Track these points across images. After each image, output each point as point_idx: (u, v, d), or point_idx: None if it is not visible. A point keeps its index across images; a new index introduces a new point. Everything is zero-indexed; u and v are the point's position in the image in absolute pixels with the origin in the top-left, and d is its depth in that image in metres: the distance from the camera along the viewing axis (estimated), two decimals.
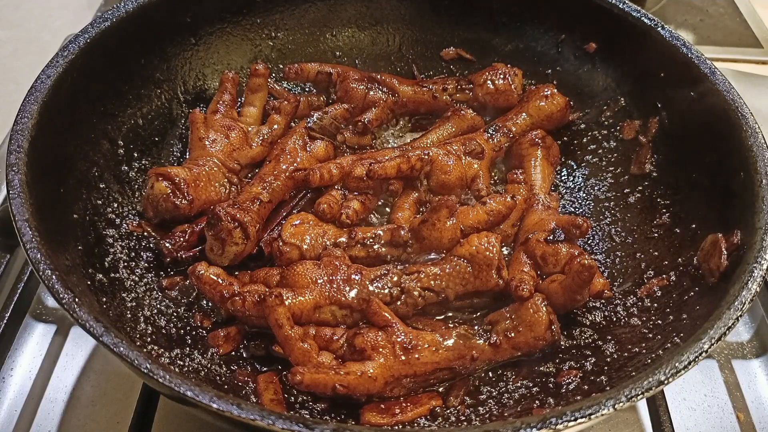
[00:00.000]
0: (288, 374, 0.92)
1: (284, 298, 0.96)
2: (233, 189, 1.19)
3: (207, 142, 1.20)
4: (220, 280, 1.03)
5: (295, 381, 0.90)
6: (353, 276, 1.02)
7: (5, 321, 1.15)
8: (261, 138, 1.25)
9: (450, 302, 1.05)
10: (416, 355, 0.95)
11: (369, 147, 1.33)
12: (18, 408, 1.10)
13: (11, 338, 1.17)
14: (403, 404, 0.96)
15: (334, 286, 1.01)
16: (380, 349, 0.94)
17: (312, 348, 0.94)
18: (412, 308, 1.04)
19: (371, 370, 0.93)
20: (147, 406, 1.05)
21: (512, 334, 1.00)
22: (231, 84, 1.30)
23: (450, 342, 0.98)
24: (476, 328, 1.01)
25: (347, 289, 1.01)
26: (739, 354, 1.22)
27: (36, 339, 1.19)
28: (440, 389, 1.00)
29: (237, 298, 1.00)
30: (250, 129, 1.26)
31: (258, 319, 1.00)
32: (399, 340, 0.96)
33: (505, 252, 1.16)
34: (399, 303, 1.02)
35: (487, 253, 1.04)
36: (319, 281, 1.01)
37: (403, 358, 0.95)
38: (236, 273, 1.10)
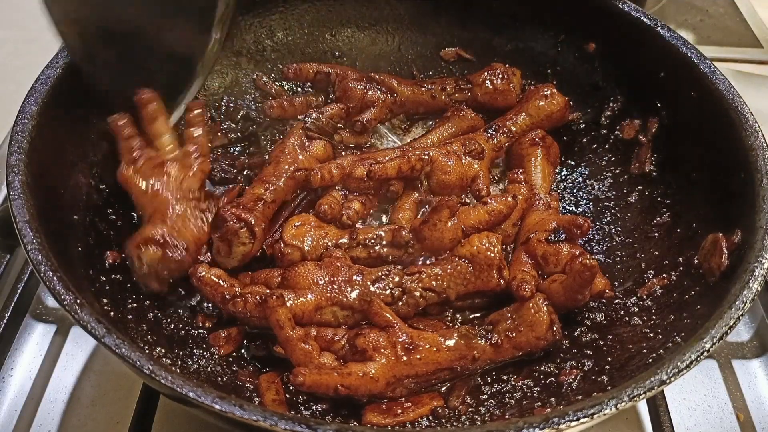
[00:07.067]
0: (290, 375, 0.92)
1: (286, 299, 0.96)
2: (207, 217, 1.10)
3: (154, 190, 1.08)
4: (221, 281, 1.02)
5: (296, 382, 0.90)
6: (355, 277, 1.02)
7: (5, 321, 1.15)
8: (196, 156, 1.12)
9: (451, 302, 1.05)
10: (417, 356, 0.95)
11: (366, 145, 1.33)
12: (18, 408, 1.10)
13: (11, 338, 1.17)
14: (405, 404, 0.96)
15: (336, 287, 1.01)
16: (381, 350, 0.94)
17: (313, 349, 0.94)
18: (413, 308, 1.03)
19: (373, 371, 0.93)
20: (147, 406, 1.04)
21: (513, 334, 1.00)
22: (125, 125, 1.11)
23: (451, 342, 0.98)
24: (477, 328, 1.01)
25: (349, 289, 1.01)
26: (739, 354, 1.22)
27: (36, 339, 1.19)
28: (442, 389, 1.00)
29: (239, 299, 1.00)
30: (176, 154, 1.12)
31: (259, 321, 1.00)
32: (400, 340, 0.95)
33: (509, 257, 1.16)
34: (400, 303, 1.02)
35: (489, 253, 1.04)
36: (320, 282, 1.00)
37: (404, 358, 0.95)
38: (238, 275, 1.09)
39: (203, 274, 1.02)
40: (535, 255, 1.09)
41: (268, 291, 1.00)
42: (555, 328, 1.00)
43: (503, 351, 1.00)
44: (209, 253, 1.10)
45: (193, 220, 1.08)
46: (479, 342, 0.99)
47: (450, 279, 1.04)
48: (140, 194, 1.08)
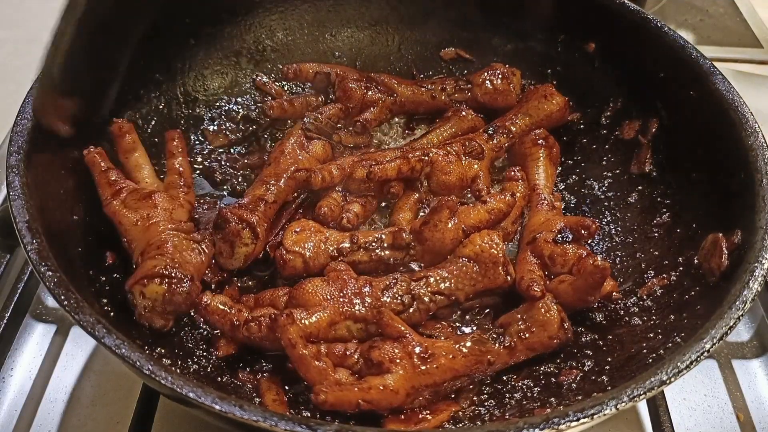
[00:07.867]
0: (311, 395, 0.89)
1: (297, 317, 0.94)
2: (203, 248, 1.07)
3: (146, 223, 1.06)
4: (227, 308, 0.99)
5: (319, 401, 0.87)
6: (364, 288, 1.00)
7: (5, 321, 1.15)
8: (182, 188, 1.15)
9: (461, 304, 1.05)
10: (434, 365, 0.93)
11: (365, 145, 1.33)
12: (18, 408, 1.10)
13: (11, 338, 1.17)
14: (423, 413, 0.94)
15: (346, 300, 0.99)
16: (398, 361, 0.92)
17: (327, 366, 0.92)
18: (424, 314, 1.03)
19: (392, 383, 0.90)
20: (147, 406, 1.04)
21: (526, 335, 0.99)
22: (100, 158, 1.11)
23: (465, 348, 0.97)
24: (489, 332, 1.00)
25: (359, 302, 0.99)
26: (739, 354, 1.22)
27: (36, 339, 1.19)
28: (452, 395, 0.98)
29: (252, 324, 0.97)
30: (161, 185, 1.15)
31: (272, 343, 0.97)
32: (416, 350, 0.94)
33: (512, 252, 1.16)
34: (411, 310, 1.01)
35: (492, 250, 1.04)
36: (330, 297, 0.99)
37: (422, 368, 0.93)
38: (241, 297, 1.08)
39: (208, 302, 0.99)
40: (541, 255, 1.09)
41: (276, 311, 0.98)
42: (566, 326, 1.00)
43: (517, 353, 0.99)
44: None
45: (189, 251, 1.04)
46: (493, 346, 0.98)
47: (457, 280, 1.04)
48: (131, 227, 1.06)
